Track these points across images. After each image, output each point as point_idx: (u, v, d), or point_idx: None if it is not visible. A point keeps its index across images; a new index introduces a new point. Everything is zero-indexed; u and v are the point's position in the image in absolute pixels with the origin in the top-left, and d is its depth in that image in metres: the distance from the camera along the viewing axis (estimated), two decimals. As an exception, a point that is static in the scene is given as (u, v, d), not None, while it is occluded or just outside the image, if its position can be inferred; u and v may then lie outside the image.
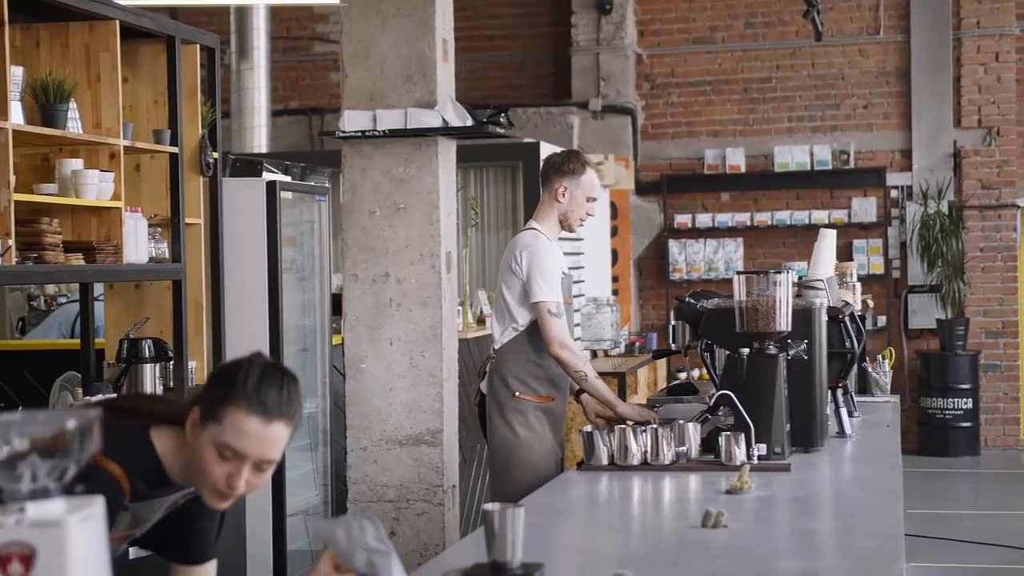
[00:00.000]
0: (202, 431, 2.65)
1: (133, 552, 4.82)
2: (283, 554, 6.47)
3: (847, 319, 5.17)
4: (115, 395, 5.29)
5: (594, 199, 5.44)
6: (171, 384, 5.76)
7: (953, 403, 12.48)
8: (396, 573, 2.58)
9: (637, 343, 11.09)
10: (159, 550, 2.97)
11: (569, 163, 5.42)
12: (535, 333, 5.28)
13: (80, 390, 5.56)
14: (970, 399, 12.50)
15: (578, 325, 10.09)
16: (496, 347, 5.43)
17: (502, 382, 5.36)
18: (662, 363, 11.35)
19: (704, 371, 12.24)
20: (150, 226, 5.65)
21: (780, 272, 4.52)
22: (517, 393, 5.32)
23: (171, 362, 5.73)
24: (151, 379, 5.56)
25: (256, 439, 2.61)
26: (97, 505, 1.82)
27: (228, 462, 2.63)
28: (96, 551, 1.81)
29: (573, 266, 10.38)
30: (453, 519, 6.00)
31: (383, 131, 6.02)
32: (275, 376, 2.67)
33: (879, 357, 6.58)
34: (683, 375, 12.43)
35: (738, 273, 4.55)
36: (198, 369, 6.02)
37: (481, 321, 7.99)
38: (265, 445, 2.62)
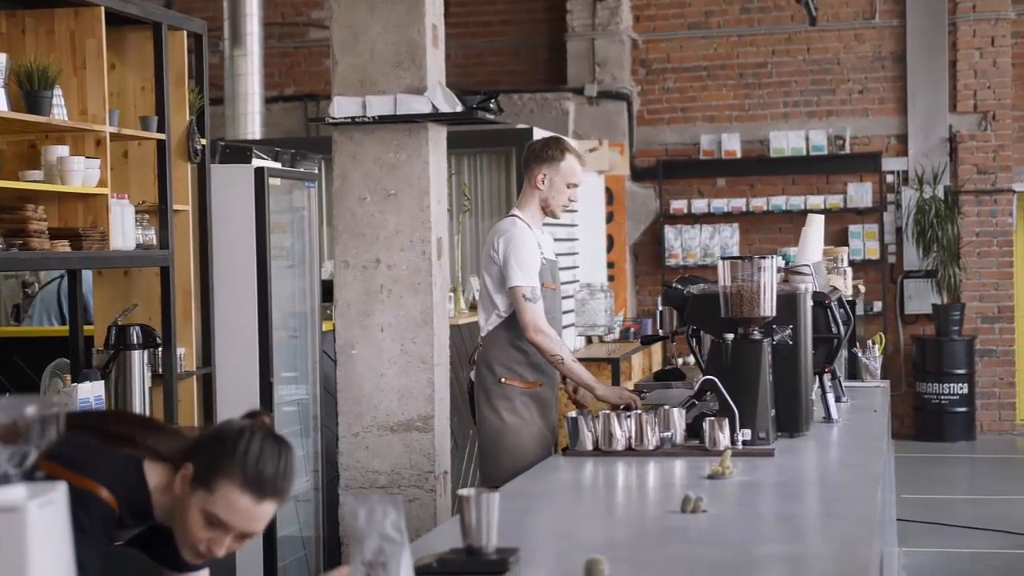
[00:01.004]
0: (192, 492, 2.65)
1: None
2: (273, 540, 6.48)
3: (834, 304, 5.17)
4: (114, 410, 5.27)
5: (575, 185, 5.45)
6: (159, 371, 5.76)
7: (949, 388, 12.49)
8: (404, 565, 2.59)
9: (632, 329, 11.09)
10: (151, 554, 2.96)
11: (548, 150, 5.45)
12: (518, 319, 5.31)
13: (68, 376, 5.56)
14: (966, 384, 12.51)
15: (571, 311, 10.10)
16: (481, 335, 5.47)
17: (488, 368, 5.39)
18: (657, 349, 11.36)
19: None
20: (138, 213, 5.65)
21: (764, 258, 4.52)
22: (503, 379, 5.35)
23: (159, 349, 5.73)
24: (139, 366, 5.56)
25: (246, 516, 2.64)
26: (58, 491, 1.82)
27: (213, 529, 2.65)
28: (57, 536, 1.81)
29: (568, 252, 10.41)
30: (445, 505, 6.01)
31: (373, 117, 6.01)
32: (273, 451, 2.67)
33: (869, 342, 6.58)
34: (679, 361, 12.46)
35: (723, 258, 4.56)
36: (187, 356, 6.03)
37: (473, 307, 7.99)
38: (253, 521, 2.66)
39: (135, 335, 5.57)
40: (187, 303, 6.05)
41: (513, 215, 5.45)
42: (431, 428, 6.02)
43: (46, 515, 1.79)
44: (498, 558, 2.81)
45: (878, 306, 12.82)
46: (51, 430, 1.84)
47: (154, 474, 2.73)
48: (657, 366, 11.03)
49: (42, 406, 1.81)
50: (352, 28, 6.14)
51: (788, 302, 4.64)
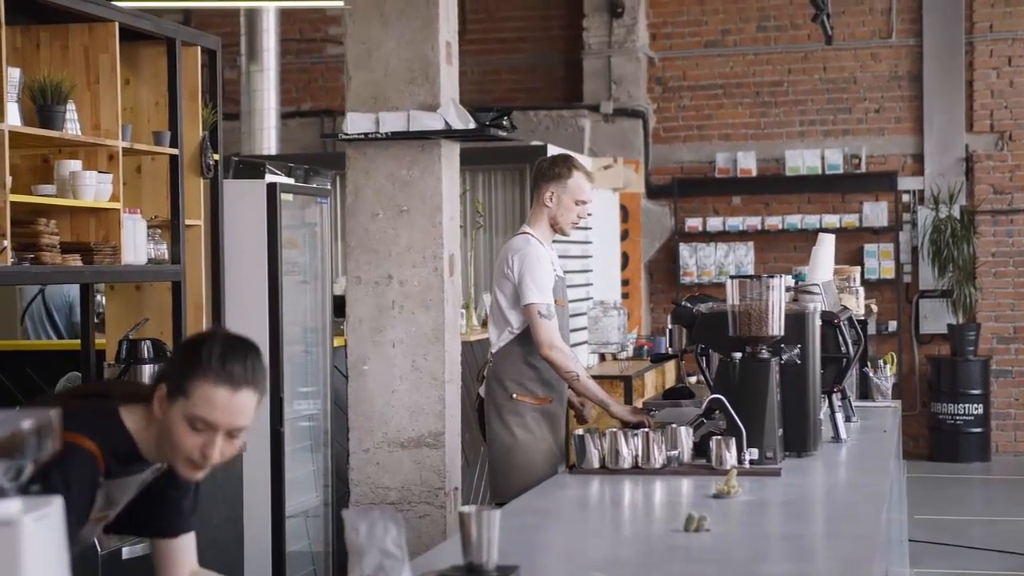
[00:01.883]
0: (171, 406, 2.74)
1: (127, 552, 4.87)
2: (282, 556, 6.49)
3: (843, 324, 5.16)
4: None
5: (583, 202, 5.49)
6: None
7: (964, 408, 12.44)
8: None
9: (646, 347, 11.08)
10: (136, 530, 3.03)
11: (555, 167, 5.50)
12: (530, 336, 5.33)
13: (80, 390, 5.58)
14: (981, 404, 12.46)
15: (584, 329, 10.10)
16: (493, 351, 5.52)
17: (499, 385, 5.42)
18: (671, 367, 11.34)
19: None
20: (150, 227, 5.67)
21: (773, 277, 4.52)
22: (514, 395, 5.38)
23: (170, 363, 5.74)
24: (150, 380, 5.58)
25: (226, 409, 2.71)
26: (54, 505, 1.83)
27: (200, 433, 2.73)
28: (52, 550, 1.82)
29: (581, 269, 10.41)
30: (455, 522, 6.01)
31: (386, 133, 6.03)
32: (238, 347, 2.77)
33: (880, 362, 6.57)
34: (693, 379, 12.43)
35: (731, 278, 4.56)
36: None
37: (486, 324, 7.99)
38: (235, 414, 2.72)
39: (146, 349, 5.59)
40: (198, 318, 6.07)
41: (525, 232, 5.50)
42: (442, 445, 6.02)
43: (41, 529, 1.79)
44: (498, 575, 2.81)
45: (893, 326, 12.79)
46: (47, 443, 1.85)
47: (132, 418, 2.82)
48: (671, 384, 11.01)
49: (38, 419, 1.82)
50: (366, 44, 6.16)
51: (797, 321, 4.64)
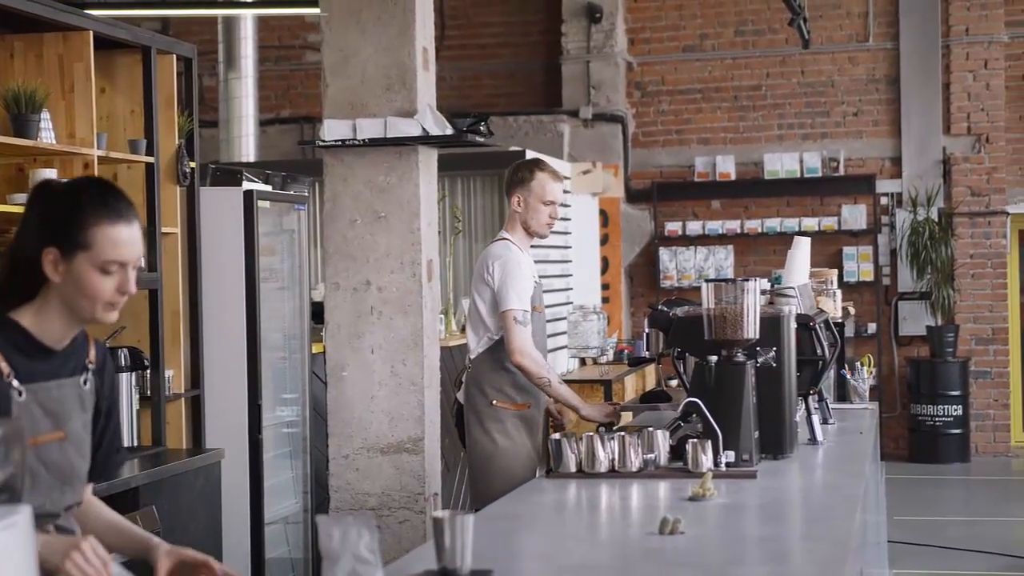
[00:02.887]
0: (70, 265, 2.75)
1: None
2: (262, 563, 6.48)
3: (819, 326, 5.18)
4: None
5: (551, 202, 5.53)
6: (148, 393, 5.77)
7: (943, 410, 12.49)
8: None
9: (626, 351, 11.09)
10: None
11: (518, 173, 5.60)
12: None
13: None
14: (960, 406, 12.51)
15: (563, 333, 10.11)
16: (471, 356, 5.56)
17: (479, 391, 5.44)
18: (651, 370, 11.36)
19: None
20: (127, 235, 5.66)
21: (748, 280, 4.54)
22: (494, 402, 5.41)
23: (147, 371, 5.74)
24: (127, 388, 5.57)
25: (129, 243, 2.78)
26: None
27: (113, 276, 2.77)
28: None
29: (561, 274, 10.42)
30: (434, 527, 6.01)
31: (363, 140, 6.04)
32: (106, 186, 2.83)
33: (858, 364, 6.59)
34: (674, 383, 12.45)
35: (706, 281, 4.57)
36: (175, 378, 6.04)
37: (464, 329, 8.01)
38: (136, 245, 2.80)
39: (123, 357, 5.58)
40: (175, 325, 6.06)
41: (504, 239, 5.53)
42: (421, 450, 6.03)
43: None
44: (472, 580, 2.82)
45: (872, 328, 12.83)
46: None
47: (22, 316, 2.80)
48: (651, 388, 11.03)
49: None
50: (343, 51, 6.17)
51: (772, 324, 4.65)
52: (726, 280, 4.57)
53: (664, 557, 3.19)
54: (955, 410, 12.48)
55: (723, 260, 13.13)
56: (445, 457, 6.81)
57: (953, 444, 12.52)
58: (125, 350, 5.62)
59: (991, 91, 12.83)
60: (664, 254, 13.21)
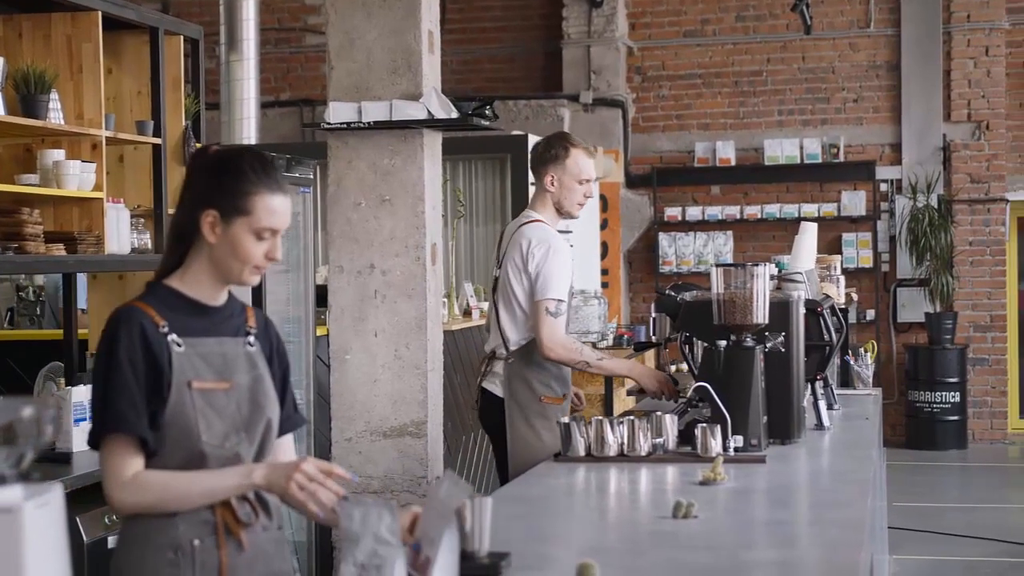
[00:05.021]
0: (227, 227, 2.89)
1: (112, 541, 4.85)
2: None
3: (826, 312, 5.18)
4: None
5: (587, 180, 5.31)
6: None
7: (941, 396, 12.51)
8: (398, 569, 2.62)
9: (626, 336, 11.10)
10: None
11: (551, 149, 5.34)
12: None
13: (63, 380, 5.56)
14: (958, 393, 12.54)
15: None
16: (510, 347, 5.33)
17: (524, 384, 5.28)
18: (650, 355, 11.37)
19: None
20: (133, 217, 5.66)
21: (757, 265, 4.54)
22: (542, 397, 5.26)
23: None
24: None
25: (283, 213, 2.93)
26: (54, 492, 1.83)
27: (264, 242, 2.90)
28: (53, 537, 1.82)
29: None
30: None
31: (368, 123, 6.03)
32: (264, 158, 2.98)
33: (861, 350, 6.60)
34: (672, 368, 12.46)
35: (716, 265, 4.57)
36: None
37: (467, 313, 8.00)
38: (287, 215, 2.95)
39: (130, 339, 5.56)
40: (181, 307, 6.05)
41: (539, 220, 5.32)
42: (424, 434, 6.03)
43: (42, 516, 1.80)
44: (490, 562, 2.82)
45: (871, 314, 12.84)
46: (48, 430, 1.85)
47: (174, 280, 2.93)
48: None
49: (38, 407, 1.83)
50: (348, 34, 6.15)
51: (781, 309, 4.65)
52: (736, 265, 4.56)
53: (679, 541, 3.19)
54: (953, 397, 12.51)
55: (722, 246, 13.14)
56: (447, 441, 6.80)
57: (951, 431, 12.55)
58: (132, 331, 5.60)
59: (992, 78, 12.83)
60: (663, 239, 13.21)
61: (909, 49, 12.93)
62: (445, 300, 8.57)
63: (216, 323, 2.97)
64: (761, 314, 4.50)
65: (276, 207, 2.91)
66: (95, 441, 2.87)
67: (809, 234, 5.63)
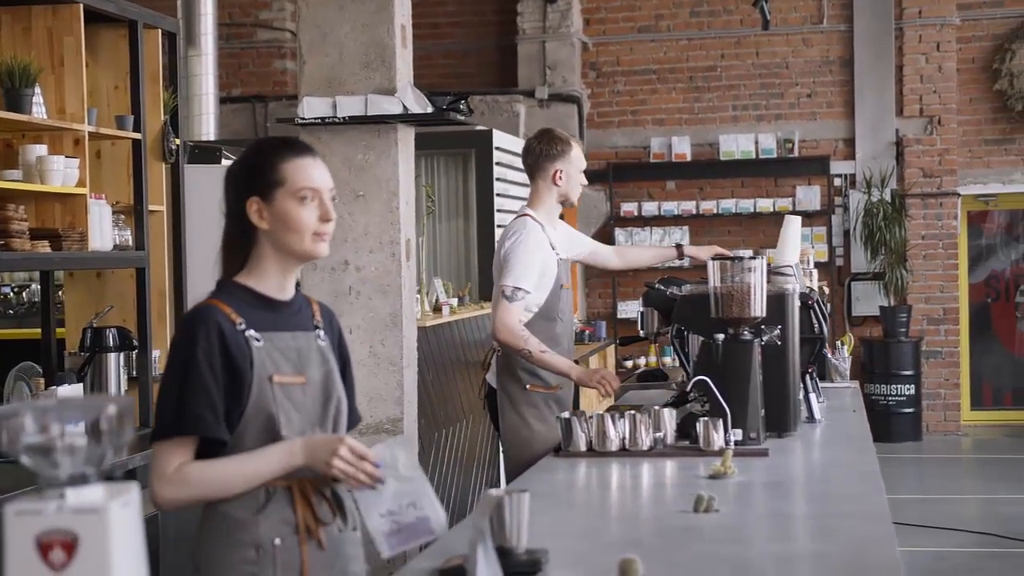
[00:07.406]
0: (271, 205, 2.91)
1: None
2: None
3: (816, 304, 5.20)
4: None
5: (583, 168, 5.55)
6: (135, 374, 5.68)
7: (896, 389, 12.62)
8: (431, 498, 2.61)
9: (587, 331, 11.11)
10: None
11: (557, 145, 5.43)
12: (538, 323, 5.24)
13: (42, 380, 5.46)
14: (912, 385, 12.65)
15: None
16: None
17: (511, 375, 5.32)
18: (611, 351, 11.39)
19: (661, 358, 12.26)
20: (114, 213, 5.58)
21: (754, 258, 4.54)
22: (528, 386, 5.29)
23: (135, 351, 5.66)
24: (115, 368, 5.48)
25: (317, 170, 2.94)
26: (134, 491, 1.79)
27: (310, 203, 2.90)
28: (135, 535, 1.78)
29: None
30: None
31: (343, 118, 5.98)
32: (280, 137, 3.08)
33: (838, 343, 6.63)
34: (643, 361, 12.50)
35: (713, 259, 4.57)
36: (162, 358, 5.95)
37: (437, 309, 7.96)
38: (324, 173, 2.96)
39: (111, 337, 5.49)
40: (161, 305, 5.98)
41: (526, 215, 5.39)
42: (400, 430, 6.00)
43: (125, 515, 1.77)
44: (529, 559, 2.79)
45: (827, 308, 12.91)
46: (128, 430, 1.81)
47: (241, 277, 2.93)
48: (612, 368, 11.06)
49: (120, 405, 1.78)
50: (320, 28, 6.11)
51: (777, 302, 4.66)
52: (733, 258, 4.56)
53: (704, 535, 3.18)
54: (908, 389, 12.62)
55: (679, 241, 13.16)
56: (421, 438, 6.77)
57: (906, 423, 12.66)
58: (113, 330, 5.53)
59: (943, 73, 12.95)
60: (620, 235, 13.22)
61: (862, 45, 13.03)
62: (417, 296, 8.52)
63: (287, 317, 2.96)
64: (759, 307, 4.51)
65: (306, 166, 2.92)
66: (159, 438, 2.88)
67: (794, 227, 5.65)
